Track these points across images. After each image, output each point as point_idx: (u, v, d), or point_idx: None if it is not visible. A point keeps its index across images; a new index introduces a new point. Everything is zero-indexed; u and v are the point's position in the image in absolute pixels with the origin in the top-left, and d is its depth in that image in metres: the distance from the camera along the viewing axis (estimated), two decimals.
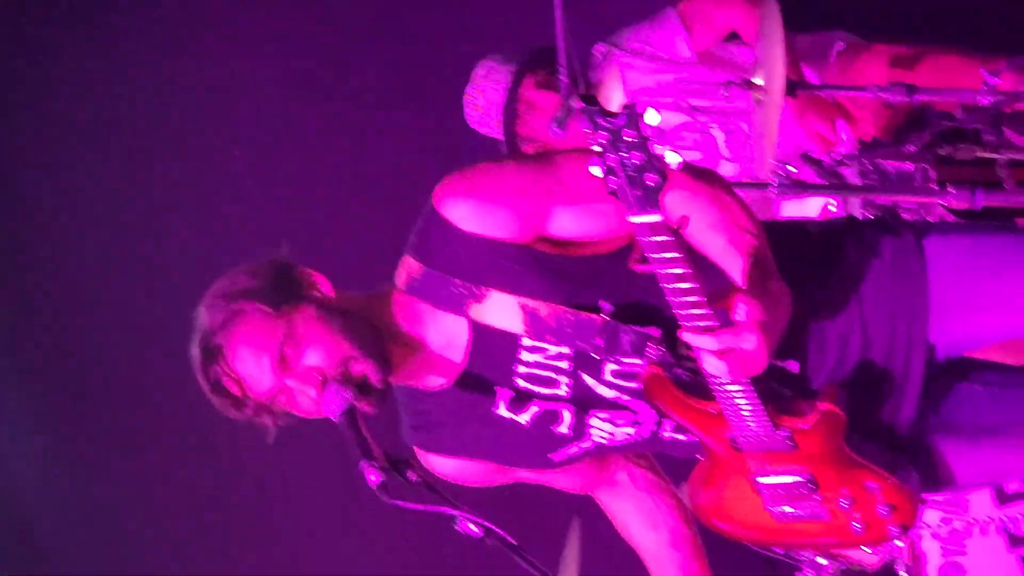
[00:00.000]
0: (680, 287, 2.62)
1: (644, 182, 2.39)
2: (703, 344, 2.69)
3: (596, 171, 2.39)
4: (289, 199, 5.75)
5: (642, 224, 2.48)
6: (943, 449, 3.14)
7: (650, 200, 2.42)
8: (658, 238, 2.52)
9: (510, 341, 3.02)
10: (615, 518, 3.44)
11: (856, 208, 4.20)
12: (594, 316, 2.96)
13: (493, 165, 3.06)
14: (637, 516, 3.42)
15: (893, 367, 3.07)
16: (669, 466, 3.45)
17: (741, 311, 2.67)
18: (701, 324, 2.67)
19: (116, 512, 6.02)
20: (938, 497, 4.27)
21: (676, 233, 2.53)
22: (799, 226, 3.29)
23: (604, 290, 2.97)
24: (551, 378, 3.05)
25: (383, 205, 5.38)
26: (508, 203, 2.96)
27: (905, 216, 4.07)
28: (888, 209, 4.12)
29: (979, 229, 3.32)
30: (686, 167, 2.74)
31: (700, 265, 2.70)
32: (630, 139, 2.34)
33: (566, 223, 2.97)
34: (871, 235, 3.15)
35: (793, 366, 2.94)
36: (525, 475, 3.29)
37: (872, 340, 3.06)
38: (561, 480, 3.33)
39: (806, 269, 3.06)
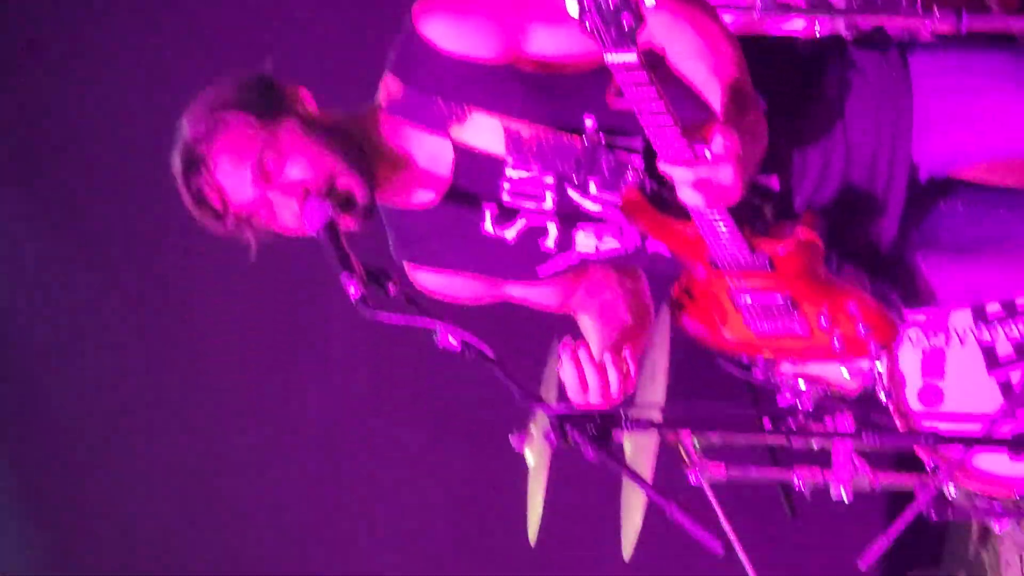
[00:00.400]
0: (657, 120, 2.64)
1: (619, 22, 2.40)
2: (679, 176, 2.71)
3: (572, 9, 2.39)
4: (272, 12, 5.71)
5: (617, 63, 2.49)
6: (923, 266, 3.17)
7: (625, 40, 2.43)
8: (634, 75, 2.53)
9: (494, 159, 3.03)
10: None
11: (841, 29, 4.17)
12: (575, 138, 2.97)
13: None
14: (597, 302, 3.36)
15: (875, 186, 3.07)
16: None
17: (718, 143, 2.69)
18: (678, 156, 2.70)
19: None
20: (919, 316, 4.30)
21: (655, 66, 2.55)
22: (787, 42, 3.28)
23: (588, 107, 2.97)
24: (537, 193, 3.06)
25: (365, 20, 5.35)
26: (486, 20, 2.95)
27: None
28: (874, 29, 4.09)
29: (966, 46, 3.31)
30: None
31: (680, 93, 2.74)
32: None
33: (545, 41, 2.96)
34: (857, 53, 3.12)
35: (774, 182, 2.94)
36: (511, 291, 3.30)
37: (855, 158, 3.06)
38: (545, 294, 3.33)
39: (791, 85, 3.06)
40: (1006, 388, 4.47)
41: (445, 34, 2.95)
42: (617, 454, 3.27)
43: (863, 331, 3.07)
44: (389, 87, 3.06)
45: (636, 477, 3.06)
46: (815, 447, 4.69)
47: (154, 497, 6.17)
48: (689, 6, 2.93)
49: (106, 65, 5.72)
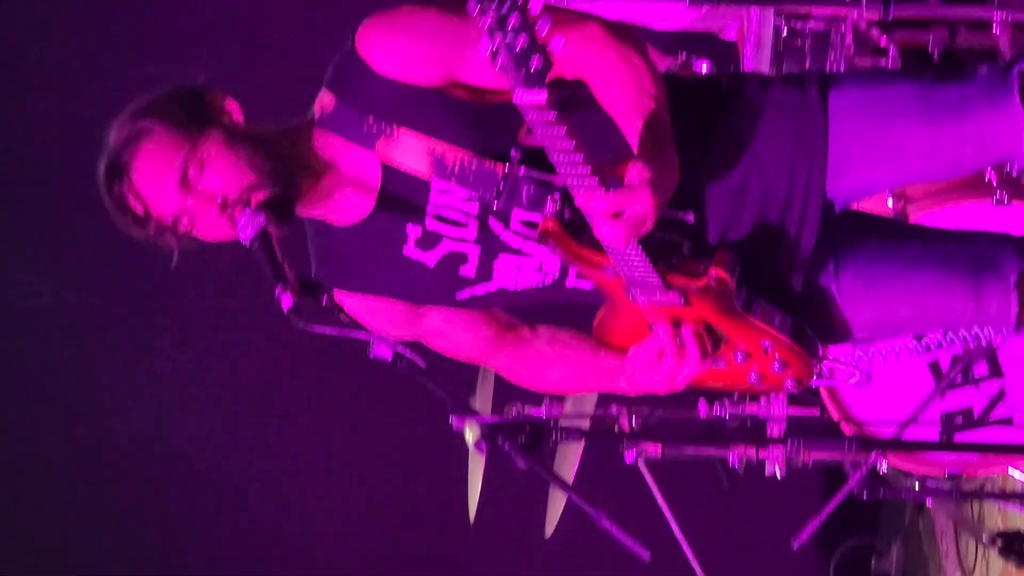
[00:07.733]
0: (567, 159, 2.66)
1: (528, 64, 2.41)
2: (595, 205, 2.73)
3: (485, 48, 2.40)
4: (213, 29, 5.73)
5: (525, 103, 2.50)
6: (838, 300, 3.21)
7: (534, 81, 2.44)
8: (543, 115, 2.55)
9: (419, 182, 3.07)
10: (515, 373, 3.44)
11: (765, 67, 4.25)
12: (497, 165, 3.00)
13: (415, 8, 3.05)
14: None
15: (789, 221, 3.11)
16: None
17: (634, 173, 2.73)
18: (590, 192, 2.73)
19: None
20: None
21: (566, 104, 2.56)
22: (711, 79, 3.31)
23: (516, 137, 3.00)
24: (459, 220, 3.10)
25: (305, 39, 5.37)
26: (424, 46, 2.98)
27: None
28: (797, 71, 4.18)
29: (880, 79, 3.33)
30: (603, 23, 2.85)
31: (593, 127, 2.78)
32: (515, 22, 2.35)
33: (477, 71, 2.99)
34: (775, 89, 3.17)
35: (689, 217, 2.98)
36: (430, 323, 3.34)
37: (770, 194, 3.10)
38: (463, 331, 3.35)
39: (710, 119, 3.10)
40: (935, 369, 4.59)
41: (383, 56, 2.98)
42: (547, 464, 3.33)
43: (778, 367, 3.12)
44: (323, 102, 3.09)
45: (565, 486, 3.13)
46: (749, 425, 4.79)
47: None
48: (618, 39, 2.95)
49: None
